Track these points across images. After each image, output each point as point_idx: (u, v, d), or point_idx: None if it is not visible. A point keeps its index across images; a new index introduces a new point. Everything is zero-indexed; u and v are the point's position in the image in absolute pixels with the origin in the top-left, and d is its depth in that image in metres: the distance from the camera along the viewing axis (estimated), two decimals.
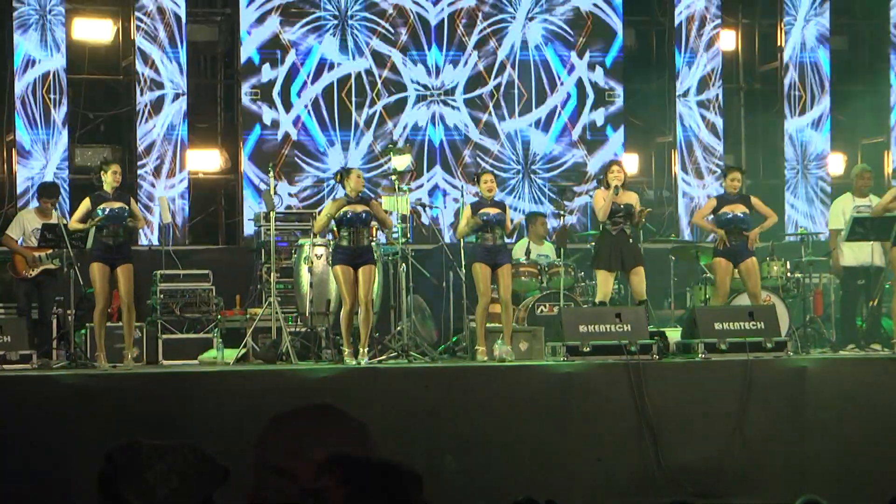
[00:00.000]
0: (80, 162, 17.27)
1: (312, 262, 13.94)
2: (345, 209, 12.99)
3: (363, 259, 12.99)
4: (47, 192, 14.50)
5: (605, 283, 13.66)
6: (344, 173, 13.25)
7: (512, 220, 13.57)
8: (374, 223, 13.39)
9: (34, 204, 15.00)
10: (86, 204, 12.83)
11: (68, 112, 16.94)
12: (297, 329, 14.07)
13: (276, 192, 13.93)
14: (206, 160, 17.85)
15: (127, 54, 17.40)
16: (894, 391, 12.79)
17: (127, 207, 12.85)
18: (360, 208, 13.04)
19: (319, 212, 13.11)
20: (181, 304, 14.84)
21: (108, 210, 12.74)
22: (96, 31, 17.54)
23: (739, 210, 13.92)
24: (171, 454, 3.07)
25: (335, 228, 13.24)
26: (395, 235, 13.94)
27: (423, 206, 14.29)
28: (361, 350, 12.85)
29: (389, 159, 15.31)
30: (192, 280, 15.07)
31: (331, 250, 13.84)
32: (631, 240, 13.74)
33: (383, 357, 13.32)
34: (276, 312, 13.65)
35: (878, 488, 11.63)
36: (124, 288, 12.76)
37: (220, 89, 18.08)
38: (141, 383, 12.00)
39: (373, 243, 13.38)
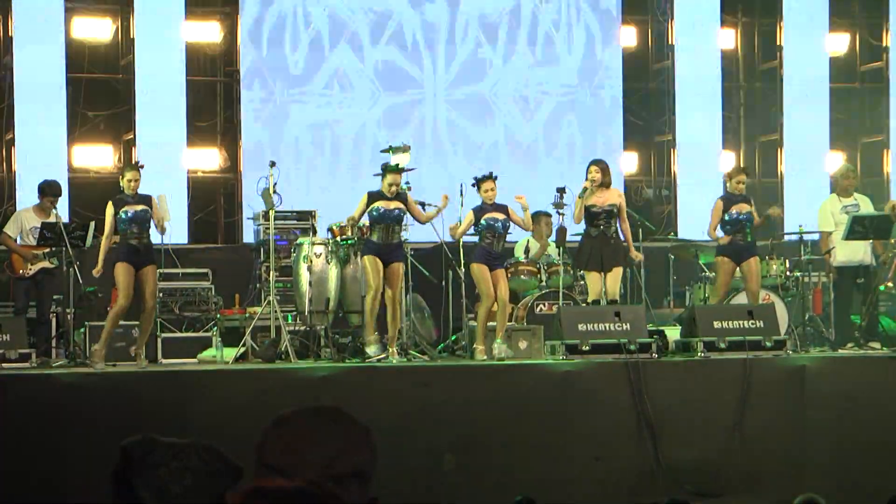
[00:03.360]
0: (79, 161, 17.26)
1: (311, 261, 13.93)
2: (377, 205, 13.00)
3: (392, 257, 13.01)
4: (50, 189, 14.47)
5: (593, 283, 13.63)
6: (384, 170, 13.29)
7: (521, 217, 13.52)
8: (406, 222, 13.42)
9: (34, 201, 14.97)
10: (110, 210, 12.92)
11: (67, 110, 16.95)
12: (296, 328, 14.07)
13: (275, 191, 13.92)
14: (206, 159, 17.86)
15: (126, 53, 17.40)
16: (893, 390, 12.80)
17: (149, 209, 12.94)
18: (392, 205, 13.06)
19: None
20: (180, 302, 14.84)
21: (130, 213, 12.83)
22: (96, 29, 17.54)
23: (745, 210, 13.97)
24: (186, 452, 3.08)
25: (367, 224, 13.28)
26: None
27: (423, 204, 14.28)
28: (391, 349, 12.85)
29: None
30: (191, 279, 15.07)
31: (331, 249, 13.87)
32: (613, 241, 13.58)
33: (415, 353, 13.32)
34: (275, 311, 13.65)
35: (876, 487, 11.63)
36: (150, 290, 12.83)
37: (220, 88, 18.07)
38: (140, 382, 11.99)
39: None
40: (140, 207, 12.90)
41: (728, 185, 14.27)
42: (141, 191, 13.07)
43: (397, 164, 13.64)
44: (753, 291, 13.98)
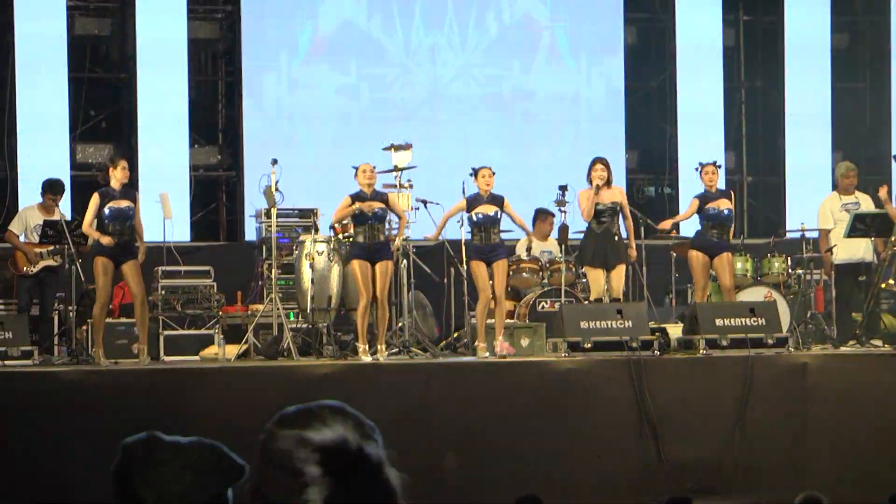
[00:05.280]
0: (81, 159, 17.29)
1: (314, 259, 13.95)
2: (358, 206, 13.01)
3: (379, 255, 13.02)
4: (53, 188, 14.50)
5: (595, 280, 13.65)
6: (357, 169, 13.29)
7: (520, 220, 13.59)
8: (390, 218, 13.42)
9: (37, 200, 14.98)
10: (95, 201, 12.85)
11: (70, 109, 16.96)
12: (298, 325, 14.08)
13: (277, 189, 13.93)
14: (208, 157, 17.87)
15: (128, 51, 17.41)
16: (894, 387, 12.81)
17: (133, 206, 12.89)
18: (375, 205, 13.07)
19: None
20: (182, 300, 14.85)
21: (114, 209, 12.80)
22: (98, 28, 17.56)
23: (724, 206, 13.99)
24: (187, 450, 3.09)
25: (352, 224, 13.30)
26: (393, 232, 13.94)
27: (425, 202, 14.30)
28: (380, 347, 12.86)
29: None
30: (193, 276, 15.08)
31: (333, 247, 13.90)
32: (616, 237, 13.65)
33: (398, 352, 13.33)
34: (278, 309, 13.67)
35: (878, 484, 11.64)
36: (135, 284, 12.80)
37: (222, 86, 18.09)
38: (142, 379, 12.01)
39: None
40: (125, 204, 12.84)
41: (702, 180, 14.25)
42: (144, 189, 13.07)
43: (368, 164, 13.59)
44: (727, 287, 13.98)
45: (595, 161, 13.78)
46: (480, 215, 13.35)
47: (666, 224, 14.47)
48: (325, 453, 2.93)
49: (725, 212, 13.97)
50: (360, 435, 2.97)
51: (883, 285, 15.01)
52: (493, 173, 13.47)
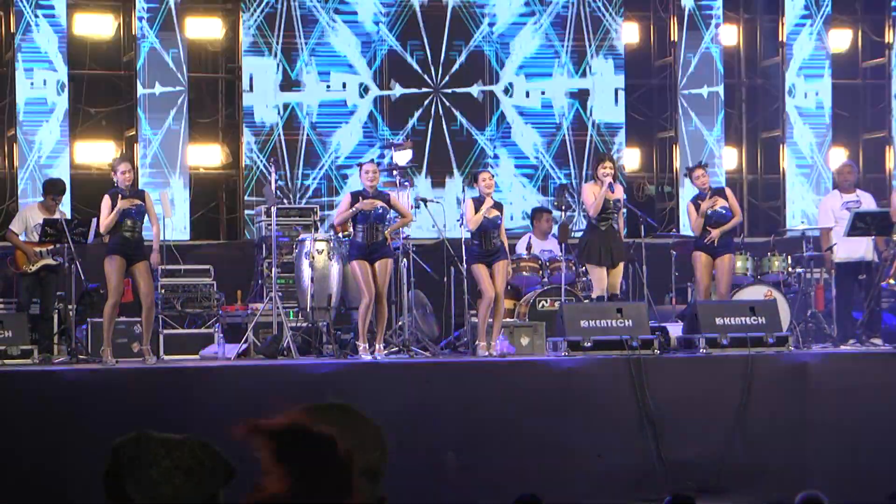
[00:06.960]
0: (80, 158, 17.26)
1: (314, 257, 13.94)
2: (358, 206, 12.99)
3: (379, 253, 13.02)
4: (54, 188, 14.49)
5: (600, 279, 13.64)
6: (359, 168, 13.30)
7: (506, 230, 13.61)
8: (389, 217, 13.41)
9: (36, 198, 14.97)
10: (106, 202, 12.92)
11: (69, 107, 16.93)
12: (298, 324, 14.07)
13: (277, 188, 13.91)
14: (207, 155, 17.86)
15: (128, 49, 17.39)
16: (894, 386, 12.80)
17: (143, 204, 12.95)
18: (376, 202, 13.06)
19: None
20: (182, 299, 14.84)
21: (125, 207, 12.83)
22: (97, 26, 17.54)
23: (719, 205, 14.01)
24: (178, 450, 3.07)
25: (351, 223, 13.31)
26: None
27: (425, 201, 14.28)
28: (378, 346, 12.85)
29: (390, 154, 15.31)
30: (193, 275, 15.07)
31: (333, 246, 13.89)
32: (619, 234, 13.68)
33: (396, 350, 13.33)
34: (277, 307, 13.66)
35: (878, 483, 11.64)
36: (145, 284, 12.83)
37: (221, 84, 18.06)
38: (141, 378, 12.00)
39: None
40: (136, 202, 12.91)
41: (694, 185, 14.27)
42: (143, 187, 13.08)
43: (372, 160, 13.60)
44: (721, 293, 13.99)
45: (603, 157, 13.79)
46: (483, 218, 13.33)
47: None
48: (277, 439, 2.92)
49: (721, 210, 13.99)
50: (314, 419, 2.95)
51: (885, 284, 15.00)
52: (493, 175, 13.45)
